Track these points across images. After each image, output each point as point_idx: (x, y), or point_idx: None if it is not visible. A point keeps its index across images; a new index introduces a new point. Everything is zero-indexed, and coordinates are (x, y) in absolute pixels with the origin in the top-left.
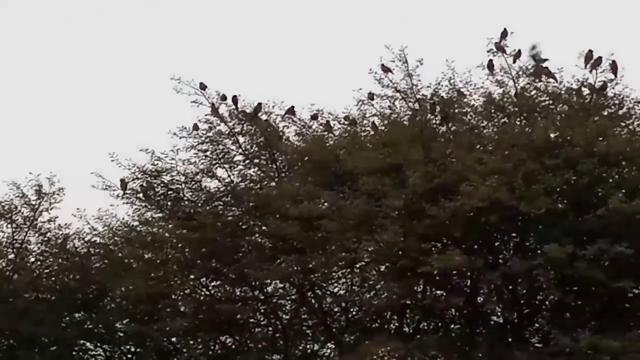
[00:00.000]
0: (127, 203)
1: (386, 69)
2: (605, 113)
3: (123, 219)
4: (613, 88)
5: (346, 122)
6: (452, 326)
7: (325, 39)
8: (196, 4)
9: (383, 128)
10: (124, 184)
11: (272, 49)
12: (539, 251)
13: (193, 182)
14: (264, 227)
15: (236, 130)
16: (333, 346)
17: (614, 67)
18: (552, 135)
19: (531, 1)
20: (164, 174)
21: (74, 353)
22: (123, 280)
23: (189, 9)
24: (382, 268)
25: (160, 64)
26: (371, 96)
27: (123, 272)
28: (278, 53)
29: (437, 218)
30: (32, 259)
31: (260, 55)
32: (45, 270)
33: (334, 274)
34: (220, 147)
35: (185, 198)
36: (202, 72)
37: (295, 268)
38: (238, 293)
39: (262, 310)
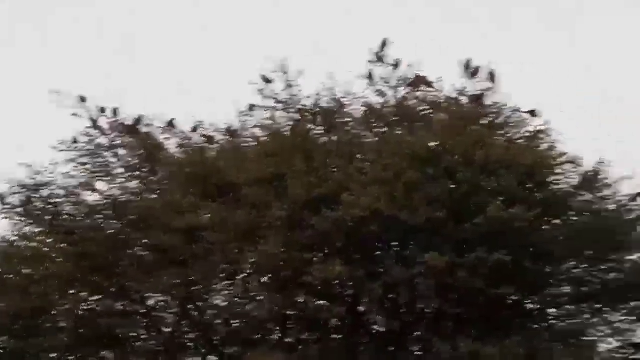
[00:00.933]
0: (5, 218)
1: (267, 80)
2: (484, 122)
3: (1, 234)
4: (491, 97)
5: (227, 134)
6: (335, 336)
7: (206, 51)
8: (65, 17)
9: (264, 139)
10: (1, 198)
11: (151, 60)
12: (419, 260)
13: (73, 196)
14: (145, 240)
15: (116, 142)
16: (215, 359)
17: (491, 76)
18: (432, 144)
19: (410, 12)
20: (43, 188)
21: None
22: (1, 296)
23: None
24: (264, 279)
25: (38, 77)
26: (252, 107)
27: (1, 287)
28: (158, 64)
29: (318, 228)
30: None
31: (140, 66)
32: None
33: (215, 285)
34: (100, 160)
35: (65, 212)
36: (81, 84)
37: (176, 281)
38: (119, 307)
39: (143, 324)
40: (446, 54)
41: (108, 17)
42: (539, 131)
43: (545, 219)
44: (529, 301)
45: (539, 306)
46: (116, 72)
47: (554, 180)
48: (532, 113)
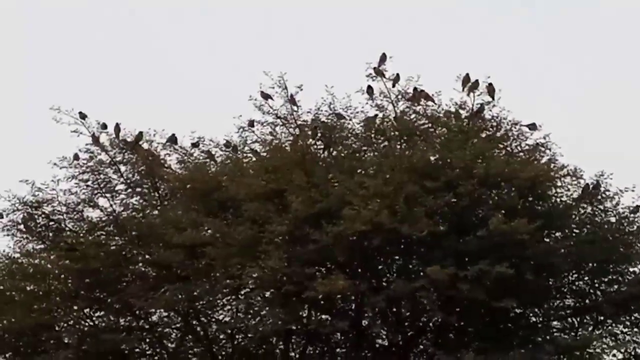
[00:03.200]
0: (7, 235)
1: (266, 96)
2: (484, 135)
3: (4, 251)
4: (490, 110)
5: (227, 149)
6: (338, 350)
7: (206, 67)
8: (68, 34)
9: (265, 154)
10: (1, 215)
11: (151, 76)
12: (421, 273)
13: (75, 212)
14: (147, 256)
15: (117, 159)
16: None
17: (490, 90)
18: (432, 158)
19: (409, 26)
20: (45, 204)
21: None
22: (5, 313)
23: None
24: (267, 294)
25: (38, 94)
26: (251, 123)
27: (4, 304)
28: (158, 80)
29: (320, 243)
30: None
31: (141, 82)
32: None
33: (219, 301)
34: (102, 176)
35: (67, 228)
36: (81, 101)
37: (179, 296)
38: (122, 323)
39: (147, 340)
40: (444, 66)
41: (105, 29)
42: (539, 144)
43: (547, 231)
44: (532, 314)
45: (542, 319)
46: (116, 87)
47: (554, 193)
48: (532, 126)
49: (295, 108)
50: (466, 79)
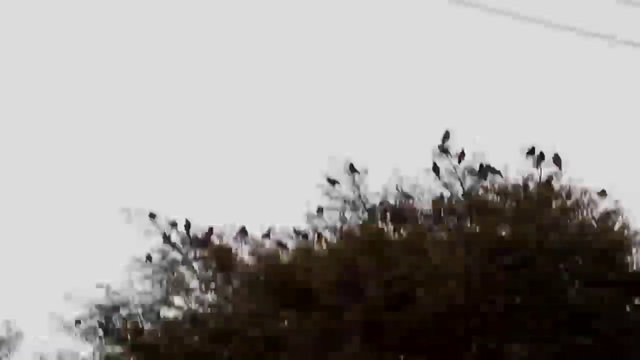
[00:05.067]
0: (87, 341)
1: (333, 181)
2: (554, 206)
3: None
4: (559, 180)
5: (298, 237)
6: None
7: (270, 157)
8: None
9: (335, 240)
10: (78, 322)
11: (216, 170)
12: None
13: (152, 312)
14: (226, 351)
15: (190, 256)
16: None
17: (557, 160)
18: (503, 232)
19: (471, 102)
20: (122, 307)
21: None
22: None
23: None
24: None
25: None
26: (320, 209)
27: None
28: (225, 174)
29: (398, 327)
30: None
31: (207, 177)
32: None
33: None
34: (175, 274)
35: (145, 329)
36: (150, 201)
37: None
38: None
39: None
40: (510, 139)
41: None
42: (611, 211)
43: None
44: None
45: None
46: (182, 182)
47: (630, 259)
48: (602, 193)
49: (362, 192)
50: (532, 151)
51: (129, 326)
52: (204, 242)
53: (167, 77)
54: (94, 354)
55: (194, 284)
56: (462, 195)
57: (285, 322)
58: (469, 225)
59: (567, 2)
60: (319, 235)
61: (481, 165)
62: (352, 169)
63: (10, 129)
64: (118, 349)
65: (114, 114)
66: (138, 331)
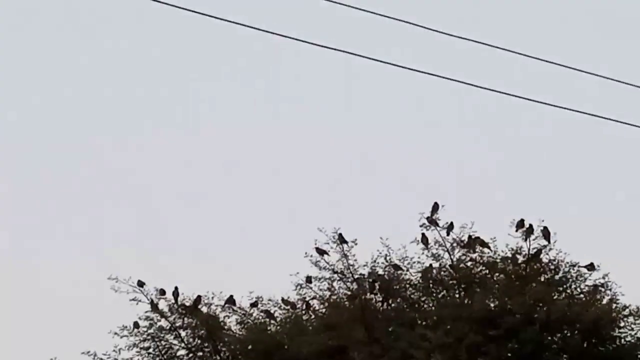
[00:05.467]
0: None
1: (321, 252)
2: (542, 279)
3: None
4: (547, 254)
5: (286, 307)
6: None
7: (258, 226)
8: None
9: (324, 310)
10: None
11: (205, 238)
12: None
13: None
14: None
15: (177, 324)
16: None
17: (546, 233)
18: (491, 305)
19: (459, 175)
20: None
21: None
22: None
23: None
24: None
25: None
26: (309, 279)
27: None
28: (213, 242)
29: None
30: None
31: (196, 244)
32: None
33: None
34: (163, 342)
35: None
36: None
37: None
38: None
39: None
40: (497, 215)
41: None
42: (599, 285)
43: None
44: None
45: None
46: (168, 250)
47: (618, 333)
48: (590, 267)
49: (351, 262)
50: (520, 224)
51: None
52: (192, 310)
53: None
54: None
55: (181, 352)
56: (450, 267)
57: None
58: (457, 296)
59: None
60: (308, 305)
61: (469, 237)
62: (341, 239)
63: None
64: None
65: None
66: None
